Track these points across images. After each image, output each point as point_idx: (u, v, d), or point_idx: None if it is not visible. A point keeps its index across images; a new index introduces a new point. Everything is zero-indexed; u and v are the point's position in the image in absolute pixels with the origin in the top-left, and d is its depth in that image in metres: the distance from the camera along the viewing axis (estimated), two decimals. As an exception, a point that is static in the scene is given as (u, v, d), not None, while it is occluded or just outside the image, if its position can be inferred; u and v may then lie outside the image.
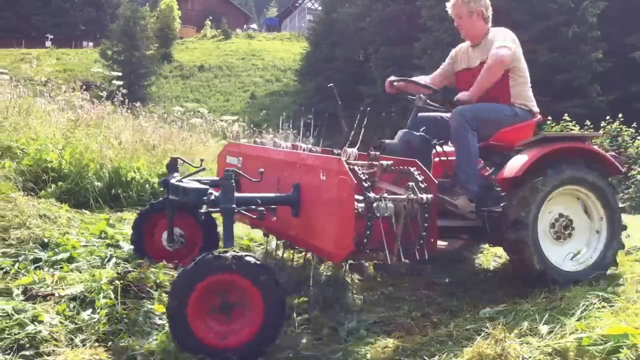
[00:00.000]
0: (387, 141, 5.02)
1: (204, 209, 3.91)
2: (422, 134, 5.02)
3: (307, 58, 45.04)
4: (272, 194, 4.25)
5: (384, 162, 4.07)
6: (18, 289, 3.94)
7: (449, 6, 5.35)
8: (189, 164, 5.17)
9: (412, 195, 3.82)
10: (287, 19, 79.92)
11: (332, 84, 5.63)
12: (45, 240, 4.87)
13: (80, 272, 4.37)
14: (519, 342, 3.53)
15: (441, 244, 5.54)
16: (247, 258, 3.52)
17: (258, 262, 3.55)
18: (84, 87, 11.82)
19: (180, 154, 10.83)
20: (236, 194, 3.98)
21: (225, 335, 3.49)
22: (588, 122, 15.09)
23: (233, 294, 3.52)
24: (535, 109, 5.17)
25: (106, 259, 4.73)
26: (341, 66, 40.23)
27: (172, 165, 4.96)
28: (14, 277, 4.19)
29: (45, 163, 6.61)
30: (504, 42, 4.98)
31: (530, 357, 3.35)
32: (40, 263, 4.49)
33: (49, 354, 3.23)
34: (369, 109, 5.54)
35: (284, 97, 46.60)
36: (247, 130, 15.53)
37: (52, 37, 54.00)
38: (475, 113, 4.91)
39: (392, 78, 5.41)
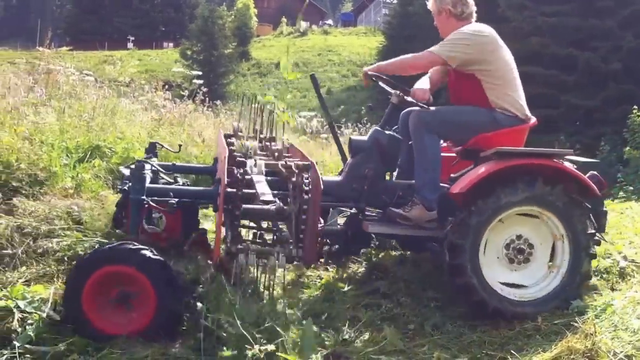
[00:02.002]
0: (356, 138, 4.91)
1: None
2: (392, 132, 4.81)
3: (383, 52, 44.66)
4: (191, 188, 4.26)
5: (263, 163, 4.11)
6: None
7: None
8: (167, 148, 5.38)
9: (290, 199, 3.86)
10: (362, 14, 79.68)
11: (313, 73, 5.40)
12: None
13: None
14: (609, 336, 3.44)
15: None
16: (137, 249, 3.60)
17: (148, 253, 3.61)
18: (166, 86, 12.08)
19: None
20: (149, 185, 4.07)
21: (122, 324, 3.55)
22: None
23: (128, 285, 3.59)
24: (524, 114, 4.63)
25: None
26: (418, 59, 39.77)
27: (151, 150, 5.12)
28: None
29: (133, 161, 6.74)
30: (447, 43, 4.61)
31: (621, 352, 3.26)
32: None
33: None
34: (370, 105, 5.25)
35: (361, 92, 46.54)
36: (326, 126, 15.51)
37: (133, 38, 55.52)
38: (439, 115, 4.62)
39: (368, 71, 5.05)
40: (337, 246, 4.87)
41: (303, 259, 3.98)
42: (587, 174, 4.45)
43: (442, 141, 4.87)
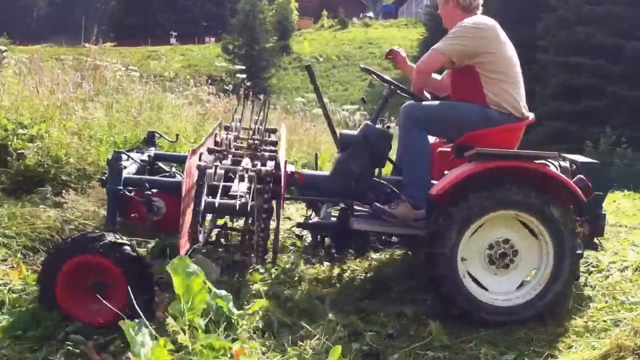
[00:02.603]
0: (346, 132, 4.82)
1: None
2: (381, 127, 4.69)
3: (424, 44, 44.48)
4: (165, 179, 4.32)
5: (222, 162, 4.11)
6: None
7: None
8: (164, 137, 5.40)
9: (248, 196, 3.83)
10: (403, 5, 79.27)
11: (309, 64, 5.31)
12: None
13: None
14: (660, 332, 3.37)
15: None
16: (108, 239, 3.62)
17: (118, 242, 3.63)
18: (209, 81, 12.17)
19: (306, 145, 11.03)
20: (127, 175, 4.09)
21: (95, 313, 3.57)
22: None
23: (101, 274, 3.62)
24: (520, 112, 4.44)
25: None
26: (460, 50, 39.49)
27: (150, 139, 5.15)
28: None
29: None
30: (449, 37, 4.46)
31: (673, 348, 3.18)
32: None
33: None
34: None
35: (403, 85, 46.37)
36: (368, 119, 15.44)
37: (176, 34, 56.05)
38: (428, 111, 4.46)
39: (363, 67, 5.00)
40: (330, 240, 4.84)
41: (255, 257, 4.04)
42: (574, 178, 4.28)
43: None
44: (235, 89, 11.06)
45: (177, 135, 5.47)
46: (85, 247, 3.61)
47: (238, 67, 12.32)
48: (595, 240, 4.69)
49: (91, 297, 3.61)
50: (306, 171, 4.92)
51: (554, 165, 4.33)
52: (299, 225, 4.87)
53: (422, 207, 4.30)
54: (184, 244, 3.82)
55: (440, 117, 4.45)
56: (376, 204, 4.39)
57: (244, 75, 11.69)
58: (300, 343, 3.58)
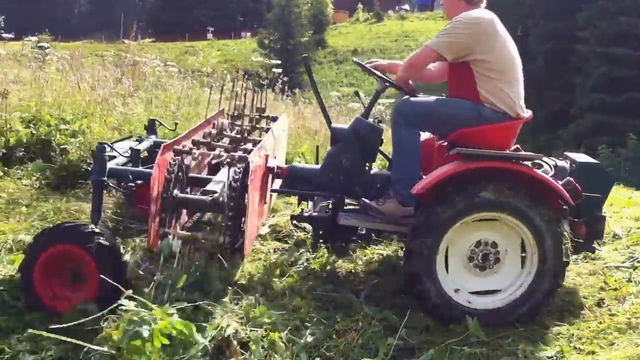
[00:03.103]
0: (337, 126, 4.72)
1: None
2: (372, 122, 4.58)
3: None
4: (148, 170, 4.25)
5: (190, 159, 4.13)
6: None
7: None
8: (164, 125, 5.43)
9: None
10: (439, -2, 78.66)
11: (305, 55, 5.16)
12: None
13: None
14: None
15: None
16: (80, 228, 3.72)
17: (91, 232, 3.70)
18: (246, 76, 12.23)
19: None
20: (112, 166, 4.15)
21: (70, 300, 3.63)
22: None
23: (76, 263, 3.72)
24: (515, 112, 4.23)
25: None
26: (498, 43, 39.08)
27: (150, 127, 5.19)
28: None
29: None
30: (441, 33, 4.29)
31: None
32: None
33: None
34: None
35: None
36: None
37: (212, 29, 56.43)
38: (419, 107, 4.34)
39: (355, 60, 4.89)
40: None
41: (235, 250, 4.01)
42: (562, 181, 4.13)
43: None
44: (271, 83, 11.10)
45: (176, 124, 5.58)
46: (60, 238, 3.72)
47: (274, 61, 12.33)
48: (595, 243, 4.57)
49: (70, 287, 3.74)
50: (298, 165, 4.89)
51: (549, 165, 4.26)
52: (292, 218, 4.81)
53: (411, 204, 4.22)
54: (152, 239, 3.88)
55: (432, 114, 4.34)
56: (364, 199, 4.33)
57: (280, 70, 11.72)
58: (337, 338, 3.61)
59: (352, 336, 3.62)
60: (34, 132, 6.16)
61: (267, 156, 4.39)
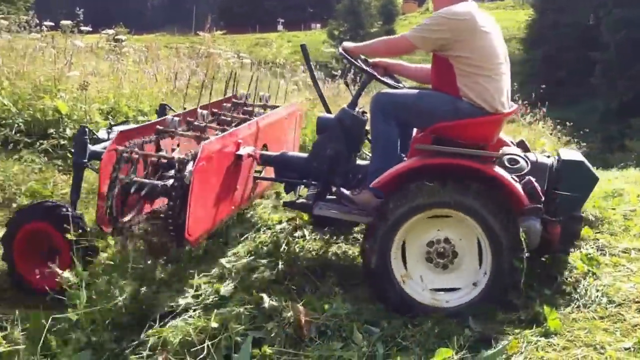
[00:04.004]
0: (322, 115, 4.67)
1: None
2: (356, 113, 4.52)
3: (532, 25, 43.36)
4: None
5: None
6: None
7: None
8: (173, 110, 5.43)
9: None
10: (511, -14, 77.10)
11: (303, 44, 5.03)
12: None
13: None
14: None
15: None
16: (46, 204, 4.04)
17: (54, 206, 4.00)
18: (317, 66, 12.27)
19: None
20: (93, 148, 4.30)
21: (48, 276, 3.71)
22: None
23: (52, 241, 3.96)
24: (492, 107, 4.10)
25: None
26: (569, 32, 38.47)
27: (161, 112, 5.28)
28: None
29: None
30: (419, 26, 4.20)
31: None
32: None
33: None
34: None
35: (512, 67, 45.24)
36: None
37: (282, 20, 56.73)
38: (395, 99, 4.25)
39: (340, 51, 4.67)
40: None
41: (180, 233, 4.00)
42: (523, 180, 3.97)
43: None
44: (343, 74, 11.10)
45: (185, 109, 5.66)
46: (29, 216, 4.00)
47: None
48: (573, 244, 4.44)
49: (42, 264, 3.86)
50: (289, 153, 4.89)
51: (525, 162, 4.14)
52: (285, 204, 4.83)
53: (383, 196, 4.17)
54: (98, 217, 4.01)
55: (409, 106, 4.25)
56: (341, 189, 4.30)
57: (351, 60, 11.66)
58: (412, 327, 3.64)
59: (427, 326, 3.62)
60: (112, 123, 6.31)
61: (238, 143, 4.39)
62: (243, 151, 4.36)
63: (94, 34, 11.76)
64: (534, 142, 9.74)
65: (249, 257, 4.55)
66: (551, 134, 11.66)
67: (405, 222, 3.91)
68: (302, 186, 4.84)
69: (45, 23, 10.23)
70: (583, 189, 4.27)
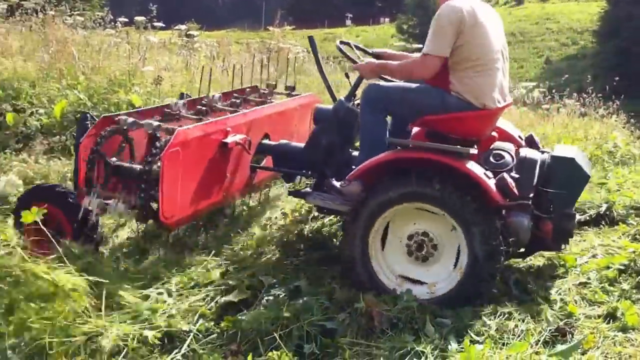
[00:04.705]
0: (320, 107, 4.76)
1: None
2: (350, 105, 4.50)
3: (605, 18, 42.23)
4: None
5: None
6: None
7: None
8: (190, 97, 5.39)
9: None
10: (586, -22, 75.13)
11: (311, 36, 5.01)
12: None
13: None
14: None
15: None
16: (50, 186, 4.31)
17: (48, 186, 4.34)
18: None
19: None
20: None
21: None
22: None
23: (55, 220, 4.08)
24: (481, 102, 4.04)
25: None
26: (644, 24, 37.19)
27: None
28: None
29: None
30: (432, 36, 4.03)
31: None
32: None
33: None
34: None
35: (582, 61, 44.10)
36: (548, 96, 14.78)
37: (351, 15, 56.74)
38: (383, 92, 4.23)
39: (338, 45, 4.69)
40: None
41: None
42: (497, 176, 3.87)
43: None
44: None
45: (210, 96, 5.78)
46: (33, 197, 4.15)
47: (416, 45, 12.25)
48: (564, 245, 4.28)
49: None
50: (288, 142, 4.94)
51: (511, 157, 4.09)
52: (290, 193, 4.88)
53: None
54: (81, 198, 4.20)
55: (396, 99, 4.24)
56: (331, 180, 4.30)
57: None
58: (486, 320, 3.62)
59: (502, 321, 3.61)
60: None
61: (227, 131, 4.47)
62: (231, 139, 4.46)
63: (166, 30, 12.04)
64: (606, 135, 9.48)
65: (319, 250, 4.64)
66: (624, 127, 11.30)
67: (381, 213, 3.98)
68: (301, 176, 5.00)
69: (120, 19, 10.56)
70: (573, 186, 4.20)
